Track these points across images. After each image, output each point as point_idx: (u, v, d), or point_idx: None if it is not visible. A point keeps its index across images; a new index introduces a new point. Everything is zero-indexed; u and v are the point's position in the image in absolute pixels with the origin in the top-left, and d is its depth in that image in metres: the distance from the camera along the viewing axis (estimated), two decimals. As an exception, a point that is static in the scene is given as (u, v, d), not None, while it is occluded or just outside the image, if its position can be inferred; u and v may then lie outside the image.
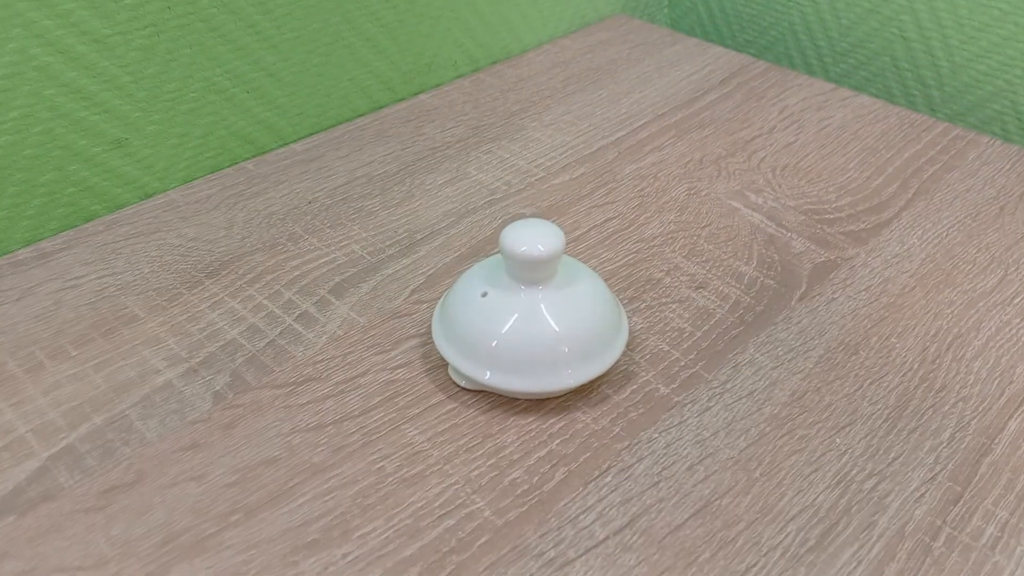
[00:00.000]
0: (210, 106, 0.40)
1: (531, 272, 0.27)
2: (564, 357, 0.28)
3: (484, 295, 0.28)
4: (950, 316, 0.33)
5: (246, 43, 0.39)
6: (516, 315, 0.28)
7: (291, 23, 0.41)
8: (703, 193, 0.40)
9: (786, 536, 0.25)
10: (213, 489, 0.26)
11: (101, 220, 0.38)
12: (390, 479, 0.27)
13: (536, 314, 0.28)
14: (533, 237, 0.27)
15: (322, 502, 0.26)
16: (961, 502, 0.26)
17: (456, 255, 0.36)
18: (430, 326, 0.32)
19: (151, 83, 0.37)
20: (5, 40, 0.33)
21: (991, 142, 0.43)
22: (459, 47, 0.49)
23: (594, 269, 0.35)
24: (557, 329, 0.28)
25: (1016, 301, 0.34)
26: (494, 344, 0.27)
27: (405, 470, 0.27)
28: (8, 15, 0.32)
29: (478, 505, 0.26)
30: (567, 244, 0.37)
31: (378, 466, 0.27)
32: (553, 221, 0.29)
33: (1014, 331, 0.32)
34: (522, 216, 0.38)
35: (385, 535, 0.25)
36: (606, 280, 0.35)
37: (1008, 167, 0.42)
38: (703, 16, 0.60)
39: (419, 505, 0.26)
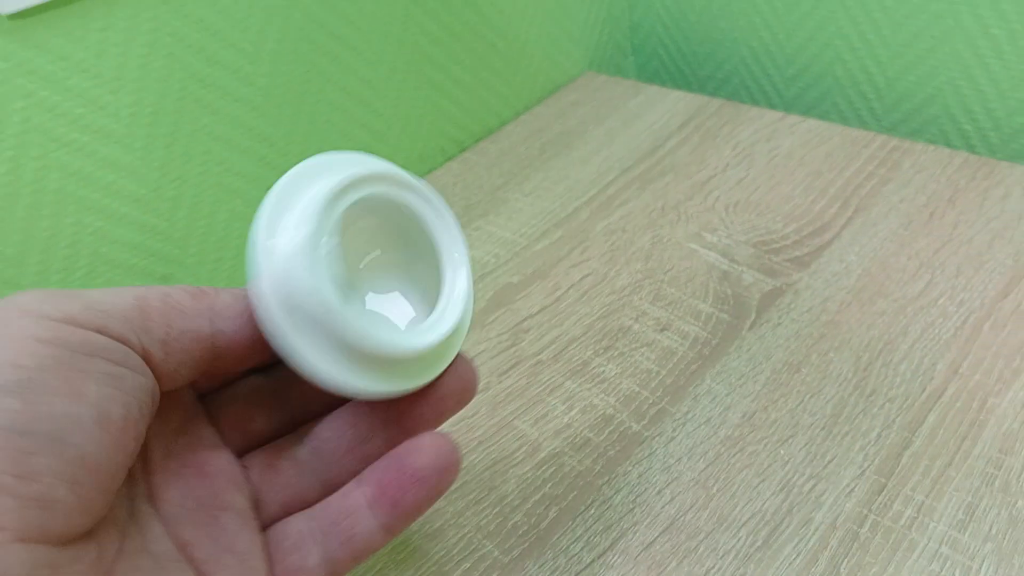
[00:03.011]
0: (236, 229, 0.47)
1: None
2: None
3: None
4: (881, 325, 0.38)
5: (259, 174, 0.46)
6: None
7: (294, 148, 0.48)
8: (665, 239, 0.46)
9: (738, 540, 0.31)
10: (277, 562, 0.33)
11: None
12: (415, 535, 0.33)
13: None
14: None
15: (365, 564, 0.32)
16: (884, 491, 0.31)
17: (456, 330, 0.42)
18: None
19: (184, 224, 0.45)
20: (64, 215, 0.40)
21: (924, 149, 0.48)
22: (444, 134, 0.56)
23: (574, 325, 0.41)
24: None
25: (940, 302, 0.38)
26: None
27: (427, 526, 0.33)
28: (63, 197, 0.40)
29: (487, 548, 0.32)
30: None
31: (405, 526, 0.33)
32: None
33: (937, 331, 0.37)
34: (509, 283, 0.44)
35: (415, 582, 0.31)
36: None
37: (939, 172, 0.46)
38: (665, 59, 0.65)
39: (440, 555, 0.32)
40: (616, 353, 0.39)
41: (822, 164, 0.49)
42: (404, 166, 0.54)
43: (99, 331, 0.19)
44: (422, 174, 0.56)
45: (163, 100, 0.42)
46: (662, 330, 0.40)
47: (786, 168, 0.49)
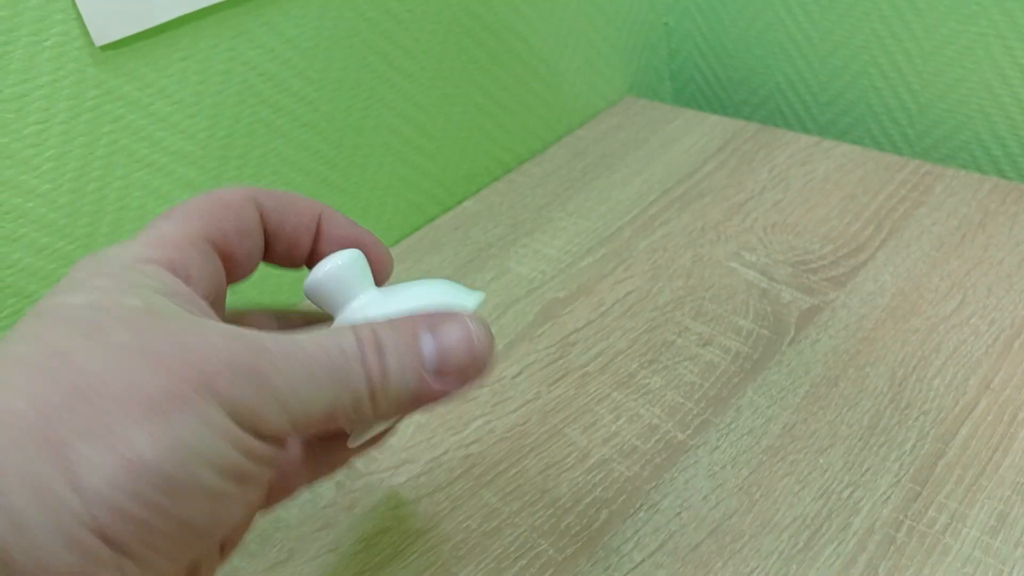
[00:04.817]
0: (297, 246, 0.50)
1: None
2: None
3: None
4: (915, 342, 0.40)
5: (321, 193, 0.49)
6: None
7: (354, 170, 0.50)
8: (706, 258, 0.48)
9: (781, 543, 0.33)
10: (345, 556, 0.35)
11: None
12: (475, 534, 0.35)
13: None
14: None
15: (427, 557, 0.35)
16: (920, 499, 0.33)
17: (505, 342, 0.45)
18: (490, 406, 0.41)
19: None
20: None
21: (955, 174, 0.50)
22: (490, 156, 0.59)
23: (619, 339, 0.43)
24: None
25: (971, 321, 0.40)
26: None
27: (485, 526, 0.35)
28: (144, 215, 0.43)
29: (542, 547, 0.34)
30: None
31: (465, 525, 0.36)
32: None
33: (968, 348, 0.39)
34: (555, 298, 0.47)
35: (476, 577, 0.34)
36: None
37: (970, 196, 0.48)
38: (701, 84, 0.68)
39: (499, 552, 0.34)
40: (660, 366, 0.41)
41: (856, 188, 0.51)
42: (452, 186, 0.57)
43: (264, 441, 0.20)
44: (470, 194, 0.58)
45: (236, 124, 0.45)
46: (704, 345, 0.42)
47: (822, 191, 0.51)
